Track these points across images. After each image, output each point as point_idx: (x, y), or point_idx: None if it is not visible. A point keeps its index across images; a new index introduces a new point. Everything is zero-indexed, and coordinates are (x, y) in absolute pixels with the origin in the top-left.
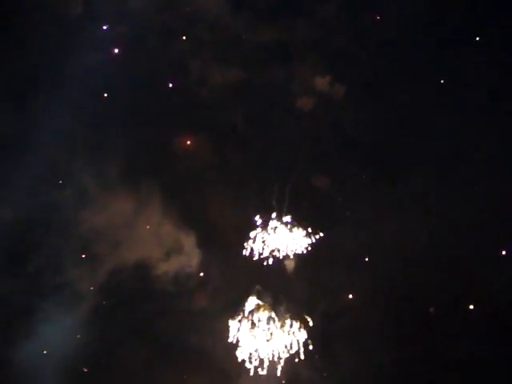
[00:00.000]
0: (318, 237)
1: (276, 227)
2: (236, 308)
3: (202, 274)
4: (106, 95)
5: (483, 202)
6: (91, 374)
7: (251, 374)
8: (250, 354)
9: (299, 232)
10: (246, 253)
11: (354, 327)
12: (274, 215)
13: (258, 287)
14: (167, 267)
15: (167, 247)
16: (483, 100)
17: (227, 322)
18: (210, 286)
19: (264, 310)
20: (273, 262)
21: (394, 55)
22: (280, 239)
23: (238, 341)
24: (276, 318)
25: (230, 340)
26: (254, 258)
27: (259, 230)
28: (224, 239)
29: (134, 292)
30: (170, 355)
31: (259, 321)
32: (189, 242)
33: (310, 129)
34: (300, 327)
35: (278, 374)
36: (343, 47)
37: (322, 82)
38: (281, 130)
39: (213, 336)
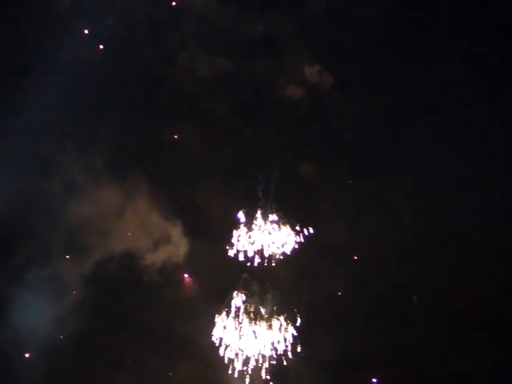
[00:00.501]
0: (306, 233)
1: (261, 225)
2: (223, 299)
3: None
4: (93, 87)
5: (470, 199)
6: (79, 362)
7: (236, 373)
8: (236, 353)
9: (286, 230)
10: (231, 253)
11: (339, 316)
12: (259, 212)
13: (244, 275)
14: (154, 257)
15: (154, 237)
16: (473, 95)
17: (214, 311)
18: (198, 275)
19: (251, 306)
20: (258, 263)
21: (383, 48)
22: (266, 238)
23: (222, 340)
24: (263, 310)
25: (214, 339)
26: (240, 259)
27: (244, 228)
28: (211, 229)
29: (121, 282)
30: (157, 343)
31: (247, 313)
32: (176, 232)
33: (297, 120)
34: (287, 319)
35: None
36: (331, 40)
37: (309, 75)
38: (268, 121)
39: (200, 325)
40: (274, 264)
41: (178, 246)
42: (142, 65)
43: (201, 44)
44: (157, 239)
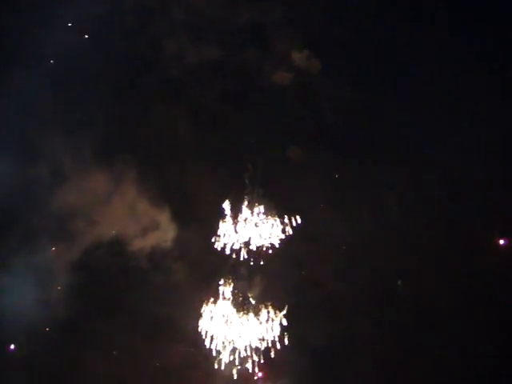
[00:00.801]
0: (293, 223)
1: (247, 217)
2: (210, 285)
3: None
4: (80, 73)
5: (460, 187)
6: (65, 346)
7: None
8: (224, 344)
9: (273, 221)
10: (217, 246)
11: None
12: (245, 203)
13: (232, 261)
14: (142, 243)
15: (142, 223)
16: (465, 85)
17: (201, 299)
18: (186, 260)
19: (238, 294)
20: (244, 257)
21: (374, 37)
22: (253, 230)
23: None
24: (251, 298)
25: (200, 329)
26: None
27: (230, 219)
28: (199, 214)
29: (109, 268)
30: (144, 331)
31: (235, 300)
32: (164, 217)
33: (285, 109)
34: (274, 307)
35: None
36: (321, 28)
37: (298, 62)
38: (257, 109)
39: (188, 314)
40: (262, 261)
41: (166, 231)
42: (130, 52)
43: (189, 31)
44: (145, 225)
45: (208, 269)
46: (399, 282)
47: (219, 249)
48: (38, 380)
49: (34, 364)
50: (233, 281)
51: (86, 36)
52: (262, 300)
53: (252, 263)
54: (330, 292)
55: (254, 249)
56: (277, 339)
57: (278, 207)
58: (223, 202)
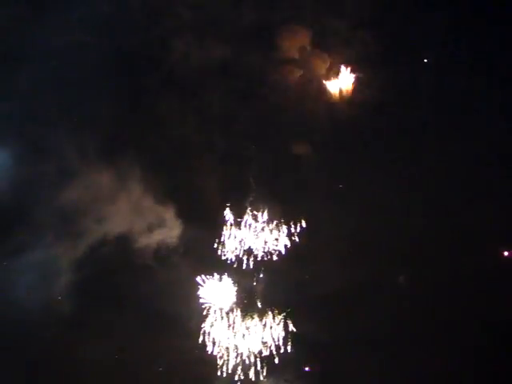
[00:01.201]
0: (298, 229)
1: (250, 224)
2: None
3: None
4: (89, 71)
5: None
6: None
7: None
8: (227, 348)
9: (278, 227)
10: (220, 253)
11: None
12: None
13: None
14: (148, 239)
15: (148, 220)
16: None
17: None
18: (191, 256)
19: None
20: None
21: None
22: (255, 238)
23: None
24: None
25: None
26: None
27: (232, 227)
28: (205, 211)
29: (116, 264)
30: (149, 322)
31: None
32: (169, 214)
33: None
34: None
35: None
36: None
37: (304, 58)
38: (264, 106)
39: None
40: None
41: (171, 228)
42: (137, 50)
43: (196, 30)
44: (151, 222)
45: (213, 266)
46: (401, 278)
47: (223, 257)
48: (42, 377)
49: (36, 361)
50: (238, 283)
51: (93, 34)
52: (267, 303)
53: (256, 267)
54: (334, 291)
55: (259, 255)
56: (281, 344)
57: (282, 211)
58: (227, 200)
